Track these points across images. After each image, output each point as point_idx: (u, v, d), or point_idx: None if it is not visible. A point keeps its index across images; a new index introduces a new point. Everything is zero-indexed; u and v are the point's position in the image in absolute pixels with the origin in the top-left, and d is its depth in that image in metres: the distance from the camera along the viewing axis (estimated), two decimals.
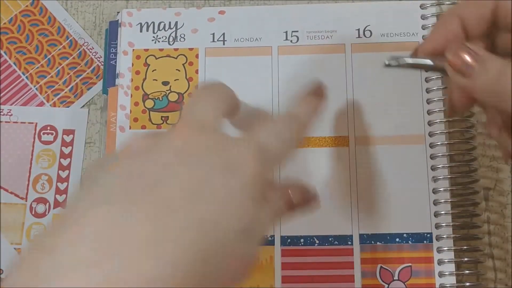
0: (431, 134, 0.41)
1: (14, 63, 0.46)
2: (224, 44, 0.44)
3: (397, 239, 0.40)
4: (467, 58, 0.31)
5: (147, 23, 0.45)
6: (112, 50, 0.45)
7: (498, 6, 0.32)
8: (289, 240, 0.41)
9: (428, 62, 0.33)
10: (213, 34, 0.44)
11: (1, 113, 0.45)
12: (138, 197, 0.26)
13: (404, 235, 0.40)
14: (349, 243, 0.40)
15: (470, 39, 0.33)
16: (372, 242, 0.40)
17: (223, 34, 0.44)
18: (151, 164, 0.28)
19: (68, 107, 0.46)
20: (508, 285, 0.41)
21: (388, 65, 0.33)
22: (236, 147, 0.29)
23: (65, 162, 0.45)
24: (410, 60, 0.33)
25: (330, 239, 0.41)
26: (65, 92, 0.46)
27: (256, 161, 0.29)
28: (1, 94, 0.46)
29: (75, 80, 0.46)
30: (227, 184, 0.28)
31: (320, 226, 0.41)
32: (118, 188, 0.27)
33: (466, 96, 0.34)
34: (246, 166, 0.28)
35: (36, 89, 0.46)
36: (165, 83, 0.44)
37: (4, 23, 0.47)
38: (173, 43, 0.44)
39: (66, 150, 0.45)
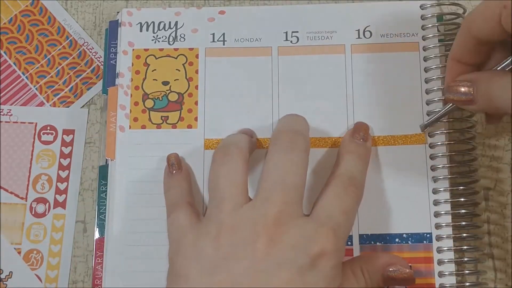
0: (431, 135, 0.41)
1: (14, 63, 0.46)
2: (224, 44, 0.44)
3: (397, 240, 0.40)
4: (462, 90, 0.36)
5: (147, 22, 0.45)
6: (112, 49, 0.45)
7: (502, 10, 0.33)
8: None
9: (448, 107, 0.39)
10: (213, 34, 0.44)
11: (1, 113, 0.45)
12: None
13: (404, 235, 0.40)
14: (349, 243, 0.40)
15: (486, 46, 0.36)
16: (372, 242, 0.40)
17: (223, 34, 0.44)
18: (241, 276, 0.32)
19: (68, 107, 0.46)
20: (508, 285, 0.41)
21: (422, 128, 0.41)
22: (316, 240, 0.33)
23: (65, 162, 0.45)
24: (433, 118, 0.40)
25: None
26: (65, 92, 0.46)
27: (335, 253, 0.33)
28: (1, 94, 0.46)
29: (75, 80, 0.46)
30: (316, 282, 0.32)
31: None
32: None
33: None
34: (327, 260, 0.33)
35: (36, 89, 0.46)
36: (165, 83, 0.44)
37: (4, 23, 0.47)
38: (173, 43, 0.44)
39: (66, 150, 0.45)
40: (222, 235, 0.34)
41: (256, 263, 0.32)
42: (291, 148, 0.36)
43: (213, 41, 0.44)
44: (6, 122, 0.45)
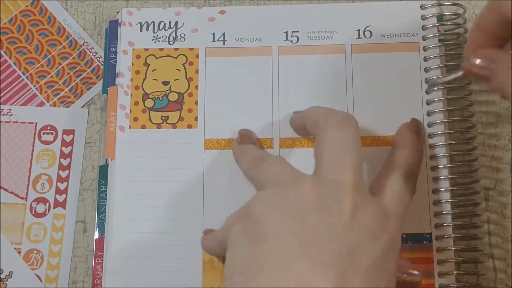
0: (431, 136, 0.41)
1: (14, 63, 0.46)
2: (224, 44, 0.44)
3: None
4: (481, 64, 0.34)
5: (147, 22, 0.45)
6: (112, 49, 0.45)
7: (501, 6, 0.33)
8: None
9: (459, 74, 0.37)
10: (213, 34, 0.44)
11: (1, 113, 0.45)
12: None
13: (404, 236, 0.40)
14: None
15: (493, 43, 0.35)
16: None
17: (223, 34, 0.44)
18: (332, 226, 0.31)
19: (68, 107, 0.46)
20: (508, 285, 0.41)
21: (431, 89, 0.41)
22: (389, 224, 0.33)
23: (65, 162, 0.45)
24: (444, 79, 0.39)
25: None
26: (65, 92, 0.46)
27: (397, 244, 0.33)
28: (1, 94, 0.46)
29: (75, 80, 0.46)
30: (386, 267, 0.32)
31: None
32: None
33: None
34: (394, 249, 0.33)
35: (36, 89, 0.46)
36: (165, 83, 0.44)
37: (4, 23, 0.47)
38: (173, 43, 0.44)
39: (66, 150, 0.45)
40: (305, 189, 0.33)
41: (346, 220, 0.31)
42: (346, 124, 0.36)
43: (213, 41, 0.44)
44: (6, 122, 0.45)
